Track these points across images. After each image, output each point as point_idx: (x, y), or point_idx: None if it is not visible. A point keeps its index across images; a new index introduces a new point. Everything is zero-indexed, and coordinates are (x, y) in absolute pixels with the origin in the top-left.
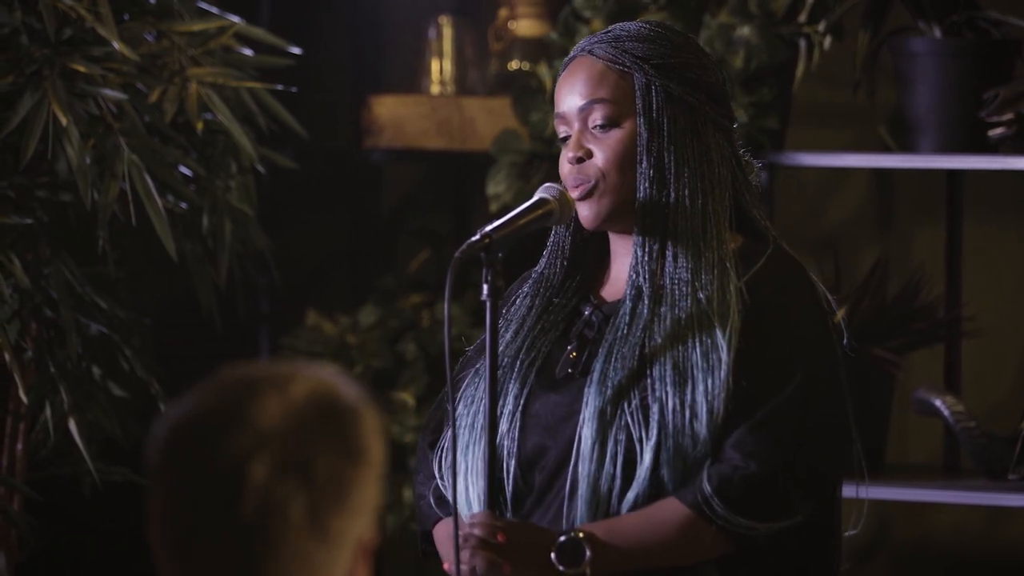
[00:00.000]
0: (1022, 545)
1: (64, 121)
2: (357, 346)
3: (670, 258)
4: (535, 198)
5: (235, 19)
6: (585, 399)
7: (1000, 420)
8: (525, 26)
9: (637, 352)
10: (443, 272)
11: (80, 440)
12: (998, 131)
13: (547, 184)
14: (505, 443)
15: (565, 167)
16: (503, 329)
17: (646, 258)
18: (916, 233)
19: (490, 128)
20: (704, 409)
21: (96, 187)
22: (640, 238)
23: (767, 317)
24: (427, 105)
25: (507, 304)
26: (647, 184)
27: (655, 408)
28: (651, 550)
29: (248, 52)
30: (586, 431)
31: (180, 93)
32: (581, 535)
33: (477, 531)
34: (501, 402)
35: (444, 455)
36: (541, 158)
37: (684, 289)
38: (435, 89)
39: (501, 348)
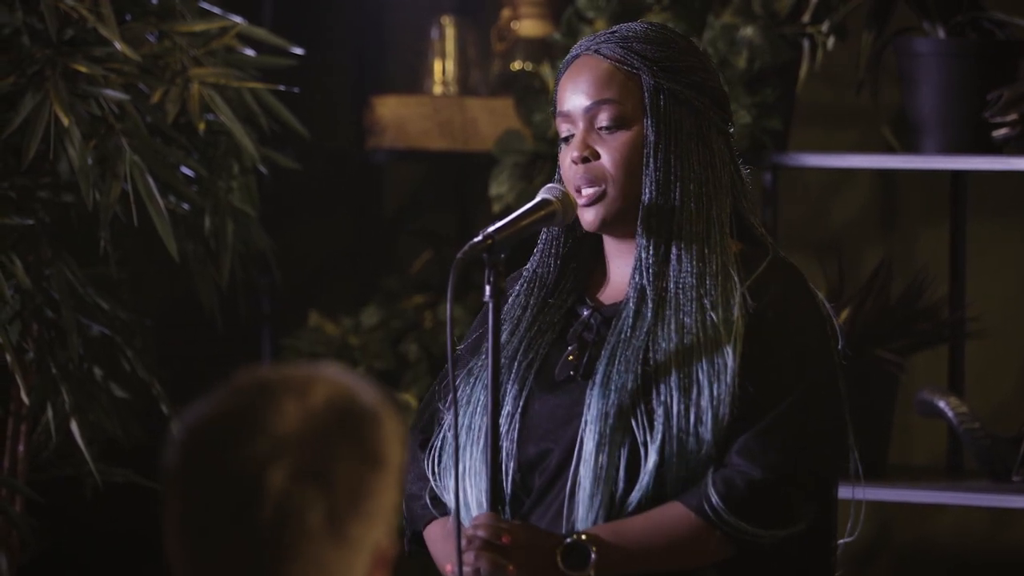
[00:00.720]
0: None
1: (66, 122)
2: (359, 347)
3: (674, 261)
4: (537, 199)
5: (237, 19)
6: (587, 402)
7: (1004, 421)
8: (528, 26)
9: (640, 355)
10: (445, 273)
11: (81, 441)
12: (1002, 132)
13: (549, 185)
14: (504, 445)
15: (569, 167)
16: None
17: (650, 261)
18: (920, 234)
19: (493, 128)
20: (709, 414)
21: (98, 188)
22: (645, 241)
23: (769, 324)
24: (429, 105)
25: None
26: (653, 187)
27: (659, 412)
28: (655, 554)
29: (250, 52)
30: (588, 434)
31: (182, 93)
32: (586, 537)
33: (481, 532)
34: (501, 406)
35: (436, 456)
36: (544, 159)
37: (689, 293)
38: (438, 89)
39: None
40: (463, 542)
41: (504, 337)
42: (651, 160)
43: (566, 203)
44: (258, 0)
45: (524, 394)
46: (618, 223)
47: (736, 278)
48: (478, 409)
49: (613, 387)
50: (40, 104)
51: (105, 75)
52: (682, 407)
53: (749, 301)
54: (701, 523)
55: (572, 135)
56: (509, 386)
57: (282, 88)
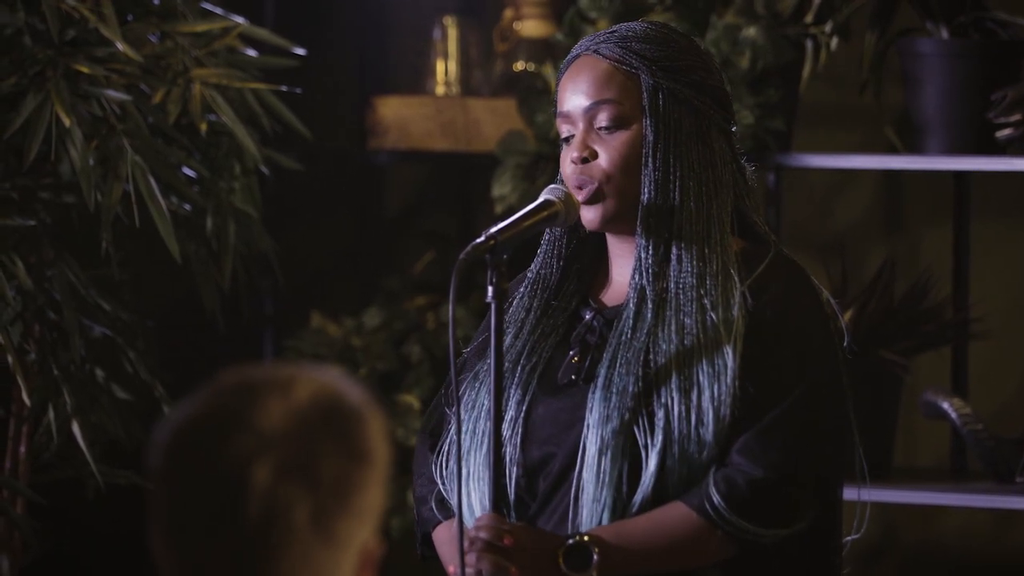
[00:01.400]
0: None
1: (67, 122)
2: (362, 348)
3: (674, 261)
4: (540, 199)
5: (239, 20)
6: (589, 405)
7: (1007, 423)
8: (530, 27)
9: (642, 357)
10: (448, 274)
11: (83, 443)
12: (1006, 132)
13: (552, 185)
14: (507, 449)
15: (568, 167)
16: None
17: (650, 261)
18: (923, 235)
19: (495, 129)
20: (711, 415)
21: (99, 188)
22: (644, 241)
23: (771, 322)
24: (432, 106)
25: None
26: (652, 187)
27: (661, 414)
28: (657, 554)
29: (252, 53)
30: (591, 437)
31: (184, 94)
32: (588, 538)
33: (483, 534)
34: (504, 410)
35: (444, 460)
36: (547, 159)
37: (690, 294)
38: (440, 90)
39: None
40: (465, 544)
41: (508, 340)
42: (650, 159)
43: (569, 204)
44: (260, 0)
45: (527, 399)
46: (619, 222)
47: (736, 277)
48: (482, 414)
49: (614, 390)
50: (41, 104)
51: (107, 75)
52: (683, 409)
53: (749, 300)
54: (703, 523)
55: (572, 135)
56: (512, 391)
57: (284, 89)
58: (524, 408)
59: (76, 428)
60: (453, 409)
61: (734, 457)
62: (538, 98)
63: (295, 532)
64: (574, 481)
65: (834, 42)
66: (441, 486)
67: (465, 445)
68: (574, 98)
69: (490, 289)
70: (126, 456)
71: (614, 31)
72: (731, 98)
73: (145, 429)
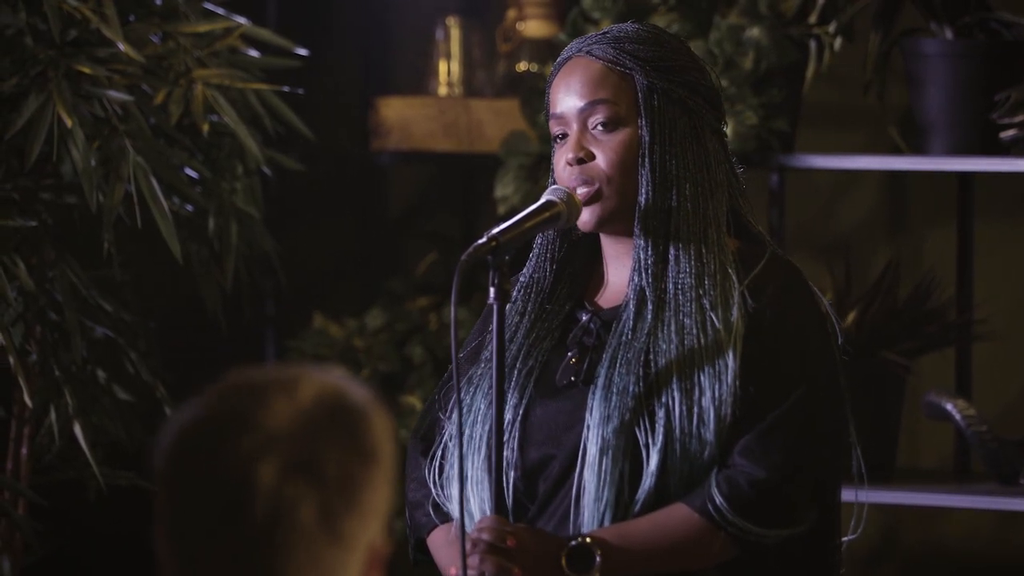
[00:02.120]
0: None
1: (69, 123)
2: (364, 349)
3: (672, 262)
4: (542, 200)
5: (241, 20)
6: (589, 406)
7: (1011, 424)
8: (533, 27)
9: (642, 358)
10: (450, 275)
11: (85, 444)
12: (1010, 133)
13: (554, 186)
14: (505, 453)
15: (564, 168)
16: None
17: (648, 262)
18: (927, 235)
19: (498, 130)
20: (712, 415)
21: (101, 189)
22: (642, 242)
23: (769, 323)
24: (435, 107)
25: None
26: (649, 188)
27: (661, 414)
28: (660, 555)
29: (254, 53)
30: (591, 438)
31: (186, 95)
32: (591, 540)
33: (486, 535)
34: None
35: (438, 464)
36: (549, 160)
37: (689, 294)
38: (443, 91)
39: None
40: (468, 546)
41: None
42: (646, 160)
43: (571, 204)
44: (262, 1)
45: (524, 402)
46: (615, 223)
47: (734, 277)
48: (478, 418)
49: (615, 390)
50: (43, 105)
51: (108, 76)
52: (684, 409)
53: (749, 300)
54: (705, 524)
55: (565, 136)
56: (509, 394)
57: (286, 89)
58: (521, 411)
59: (78, 429)
60: (452, 412)
61: (736, 458)
62: (541, 99)
63: (301, 531)
64: (575, 481)
65: (838, 42)
66: (436, 491)
67: (462, 450)
68: (568, 99)
69: (492, 290)
70: (128, 457)
71: (606, 32)
72: (722, 99)
73: (147, 430)
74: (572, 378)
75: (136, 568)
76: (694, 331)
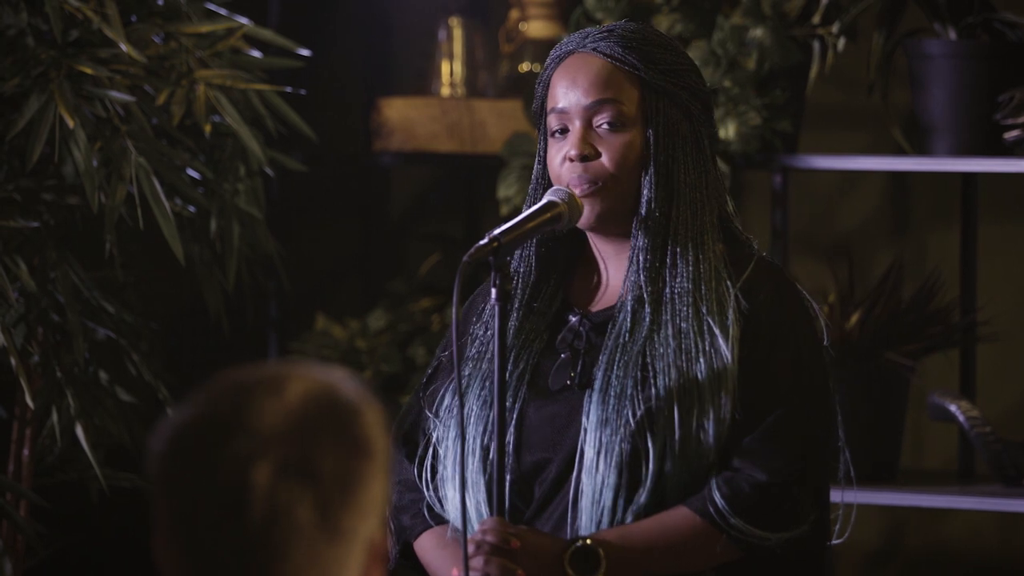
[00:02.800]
0: None
1: (71, 123)
2: (366, 351)
3: (670, 266)
4: (544, 201)
5: (243, 21)
6: (585, 409)
7: (1015, 425)
8: (536, 27)
9: (639, 361)
10: (453, 276)
11: (87, 446)
12: (1013, 134)
13: (556, 187)
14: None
15: (564, 163)
16: (481, 336)
17: (647, 264)
18: (931, 236)
19: (501, 131)
20: (711, 419)
21: (103, 190)
22: (643, 244)
23: (765, 327)
24: (437, 107)
25: (480, 309)
26: (652, 191)
27: (660, 417)
28: (662, 558)
29: (256, 54)
30: (589, 441)
31: (188, 95)
32: (594, 542)
33: (489, 537)
34: (493, 415)
35: (429, 466)
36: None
37: (686, 299)
38: (445, 91)
39: (487, 364)
40: (471, 548)
41: (485, 345)
42: (651, 163)
43: (572, 205)
44: (264, 1)
45: (518, 406)
46: (611, 223)
47: (728, 282)
48: (472, 420)
49: (612, 393)
50: (45, 106)
51: (110, 76)
52: (683, 412)
53: (743, 304)
54: (708, 526)
55: (564, 131)
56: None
57: (288, 90)
58: (515, 415)
59: (79, 431)
60: (444, 412)
61: (736, 461)
62: None
63: (300, 530)
64: (572, 485)
65: (841, 43)
66: (428, 495)
67: (454, 453)
68: (572, 94)
69: (494, 291)
70: (129, 459)
71: (611, 30)
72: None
73: (149, 432)
74: (567, 382)
75: (138, 569)
76: (691, 335)
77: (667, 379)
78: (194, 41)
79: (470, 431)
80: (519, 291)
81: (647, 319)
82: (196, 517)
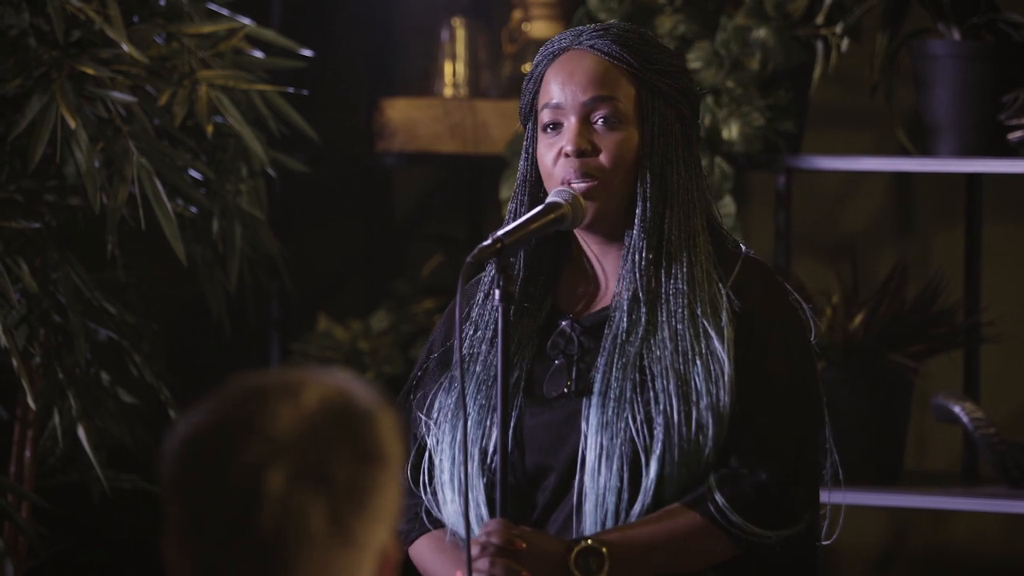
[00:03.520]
0: None
1: (72, 124)
2: (369, 352)
3: (664, 267)
4: (547, 202)
5: (246, 21)
6: (585, 413)
7: (1020, 427)
8: (539, 28)
9: (637, 363)
10: (456, 277)
11: (89, 447)
12: (1018, 134)
13: (559, 188)
14: (497, 461)
15: (559, 158)
16: (471, 336)
17: (642, 265)
18: (935, 237)
19: (503, 131)
20: (709, 420)
21: (105, 191)
22: (639, 243)
23: (758, 327)
24: (440, 108)
25: (467, 311)
26: (648, 191)
27: (659, 420)
28: (664, 557)
29: (258, 54)
30: (590, 444)
31: (190, 96)
32: (598, 542)
33: (495, 539)
34: (488, 420)
35: (427, 472)
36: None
37: (681, 300)
38: (448, 92)
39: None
40: (476, 550)
41: (484, 349)
42: (647, 162)
43: (576, 206)
44: (266, 1)
45: (515, 413)
46: (603, 221)
47: (719, 283)
48: (470, 423)
49: (612, 396)
50: (47, 106)
51: (112, 77)
52: (682, 415)
53: (736, 303)
54: (710, 526)
55: (557, 126)
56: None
57: (291, 90)
58: (512, 422)
59: (81, 432)
60: (439, 414)
61: (733, 461)
62: None
63: (312, 537)
64: (575, 489)
65: (845, 43)
66: (427, 498)
67: (451, 457)
68: (568, 89)
69: (496, 292)
70: (131, 460)
71: (607, 28)
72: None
73: (151, 433)
74: (564, 389)
75: (140, 571)
76: (687, 337)
77: (665, 381)
78: (196, 41)
79: (469, 434)
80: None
81: (643, 320)
82: (208, 521)
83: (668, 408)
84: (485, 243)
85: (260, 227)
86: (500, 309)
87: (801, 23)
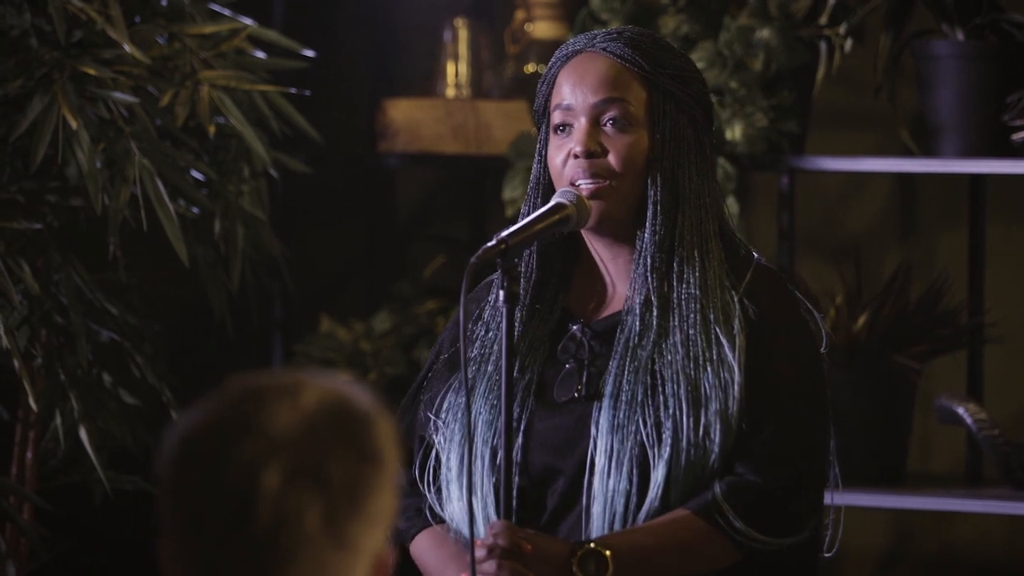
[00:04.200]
0: None
1: (74, 125)
2: (371, 353)
3: (676, 272)
4: (552, 203)
5: (247, 21)
6: (595, 416)
7: (1023, 428)
8: (541, 28)
9: (648, 367)
10: (459, 278)
11: (90, 448)
12: (1021, 135)
13: (563, 189)
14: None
15: (568, 159)
16: (482, 337)
17: (653, 268)
18: (939, 238)
19: (506, 132)
20: (718, 426)
21: (107, 192)
22: (650, 247)
23: (768, 334)
24: (442, 109)
25: (478, 310)
26: (659, 195)
27: (668, 424)
28: (668, 561)
29: (261, 55)
30: (600, 447)
31: (192, 96)
32: (602, 546)
33: (501, 541)
34: (498, 420)
35: (431, 472)
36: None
37: (693, 305)
38: (450, 92)
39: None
40: (482, 552)
41: (488, 347)
42: (658, 166)
43: (581, 207)
44: (269, 2)
45: (525, 416)
46: (612, 224)
47: (731, 288)
48: (479, 423)
49: (623, 399)
50: (48, 107)
51: (114, 77)
52: (691, 420)
53: (750, 309)
54: (714, 531)
55: (567, 127)
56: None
57: (293, 91)
58: (523, 425)
59: (83, 433)
60: (446, 414)
61: (739, 467)
62: None
63: (307, 537)
64: (584, 492)
65: (848, 44)
66: (430, 497)
67: (458, 456)
68: (579, 91)
69: (501, 293)
70: (133, 461)
71: (621, 32)
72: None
73: (153, 434)
74: (575, 394)
75: (141, 573)
76: (699, 343)
77: (676, 386)
78: (198, 42)
79: (478, 434)
80: (521, 291)
81: (654, 324)
82: (204, 519)
83: (677, 412)
84: (489, 244)
85: (262, 228)
86: (503, 310)
87: (804, 23)
